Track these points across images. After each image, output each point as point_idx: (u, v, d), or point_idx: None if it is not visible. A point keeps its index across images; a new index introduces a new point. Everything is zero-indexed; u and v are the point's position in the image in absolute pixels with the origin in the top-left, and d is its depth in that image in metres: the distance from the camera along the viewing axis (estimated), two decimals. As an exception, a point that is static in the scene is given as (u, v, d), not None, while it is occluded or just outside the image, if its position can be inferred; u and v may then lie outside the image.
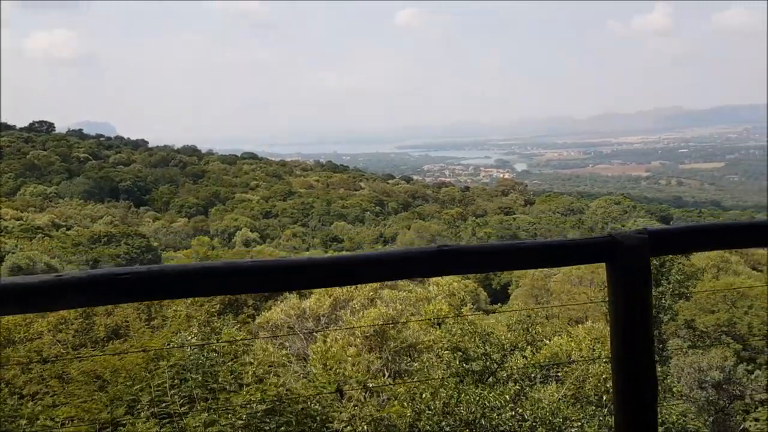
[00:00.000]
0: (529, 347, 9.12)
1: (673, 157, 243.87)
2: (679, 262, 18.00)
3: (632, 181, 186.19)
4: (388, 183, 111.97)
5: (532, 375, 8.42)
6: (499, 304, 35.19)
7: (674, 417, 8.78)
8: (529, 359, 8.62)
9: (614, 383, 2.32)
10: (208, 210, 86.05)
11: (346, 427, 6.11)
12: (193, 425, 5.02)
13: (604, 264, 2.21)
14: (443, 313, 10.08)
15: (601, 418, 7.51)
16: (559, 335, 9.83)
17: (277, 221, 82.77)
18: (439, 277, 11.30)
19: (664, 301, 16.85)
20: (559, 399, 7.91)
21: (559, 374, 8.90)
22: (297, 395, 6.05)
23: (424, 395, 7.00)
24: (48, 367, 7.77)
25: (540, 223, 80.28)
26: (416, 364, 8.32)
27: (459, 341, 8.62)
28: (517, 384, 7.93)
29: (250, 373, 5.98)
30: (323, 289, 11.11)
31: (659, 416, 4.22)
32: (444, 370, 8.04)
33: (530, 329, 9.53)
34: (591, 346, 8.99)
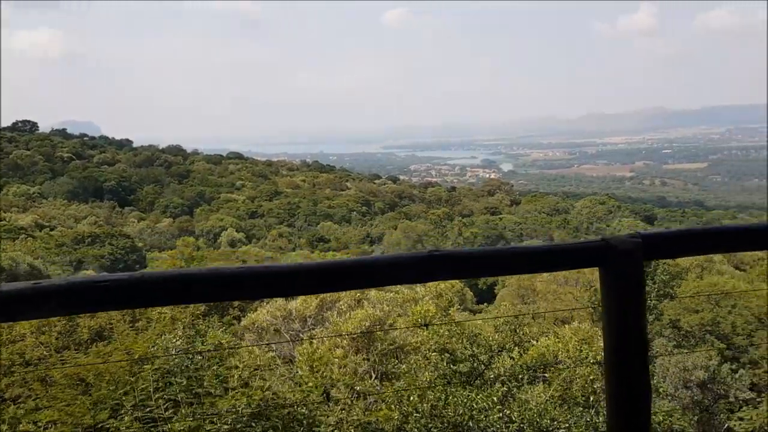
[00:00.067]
0: (516, 348, 9.12)
1: (657, 158, 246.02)
2: (664, 263, 18.11)
3: (617, 182, 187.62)
4: (374, 183, 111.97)
5: (520, 376, 8.41)
6: (485, 303, 35.27)
7: (660, 417, 8.81)
8: (516, 360, 8.61)
9: (607, 388, 2.29)
10: (194, 210, 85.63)
11: (333, 431, 6.06)
12: (178, 430, 4.95)
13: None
14: (431, 314, 10.05)
15: (588, 419, 7.50)
16: (546, 336, 9.84)
17: (263, 221, 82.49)
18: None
19: (649, 301, 16.96)
20: (547, 400, 7.90)
21: (546, 375, 8.90)
22: (284, 399, 5.99)
23: (411, 398, 6.96)
24: (30, 370, 7.66)
25: (526, 223, 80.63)
26: (404, 366, 8.28)
27: (447, 342, 8.59)
28: (505, 385, 7.92)
29: (236, 376, 5.91)
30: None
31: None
32: (432, 371, 8.01)
33: (518, 330, 9.52)
34: (578, 347, 9.00)
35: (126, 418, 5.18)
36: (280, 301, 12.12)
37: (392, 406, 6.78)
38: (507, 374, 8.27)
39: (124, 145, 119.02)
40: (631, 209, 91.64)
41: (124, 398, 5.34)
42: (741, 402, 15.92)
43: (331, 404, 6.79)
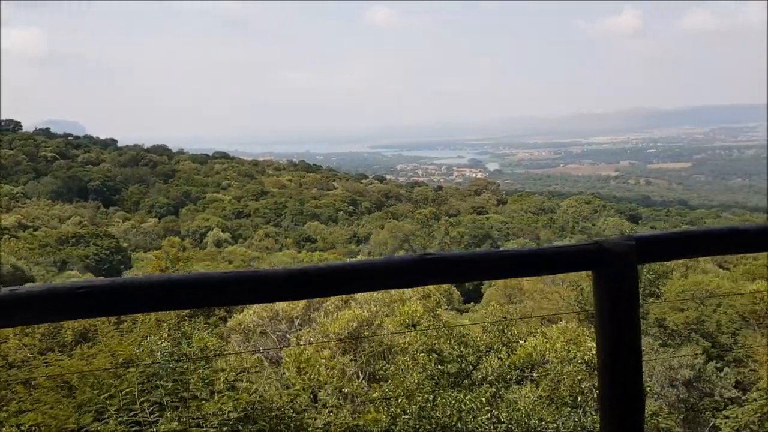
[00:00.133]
0: (504, 348, 9.11)
1: (642, 157, 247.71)
2: (650, 262, 18.12)
3: (602, 181, 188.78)
4: (361, 183, 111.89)
5: (508, 377, 8.41)
6: (472, 303, 35.36)
7: (647, 416, 8.83)
8: (504, 360, 8.60)
9: (600, 390, 2.28)
10: (179, 210, 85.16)
11: (321, 433, 6.01)
12: (163, 433, 4.89)
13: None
14: (418, 315, 10.02)
15: (576, 419, 7.51)
16: (534, 336, 9.84)
17: (250, 221, 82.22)
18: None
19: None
20: (535, 400, 7.90)
21: (534, 375, 8.90)
22: (271, 402, 5.94)
23: (399, 399, 6.93)
24: (14, 373, 7.55)
25: (512, 222, 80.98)
26: (392, 368, 8.24)
27: (434, 343, 8.56)
28: (493, 386, 7.90)
29: (222, 379, 5.85)
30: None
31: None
32: (419, 373, 7.98)
33: (505, 330, 9.52)
34: (566, 347, 9.00)
35: (110, 421, 5.10)
36: (267, 301, 12.04)
37: (380, 408, 6.74)
38: (495, 374, 8.25)
39: (109, 144, 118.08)
40: (616, 208, 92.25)
41: (108, 401, 5.26)
42: (726, 400, 16.02)
43: (318, 407, 6.74)
